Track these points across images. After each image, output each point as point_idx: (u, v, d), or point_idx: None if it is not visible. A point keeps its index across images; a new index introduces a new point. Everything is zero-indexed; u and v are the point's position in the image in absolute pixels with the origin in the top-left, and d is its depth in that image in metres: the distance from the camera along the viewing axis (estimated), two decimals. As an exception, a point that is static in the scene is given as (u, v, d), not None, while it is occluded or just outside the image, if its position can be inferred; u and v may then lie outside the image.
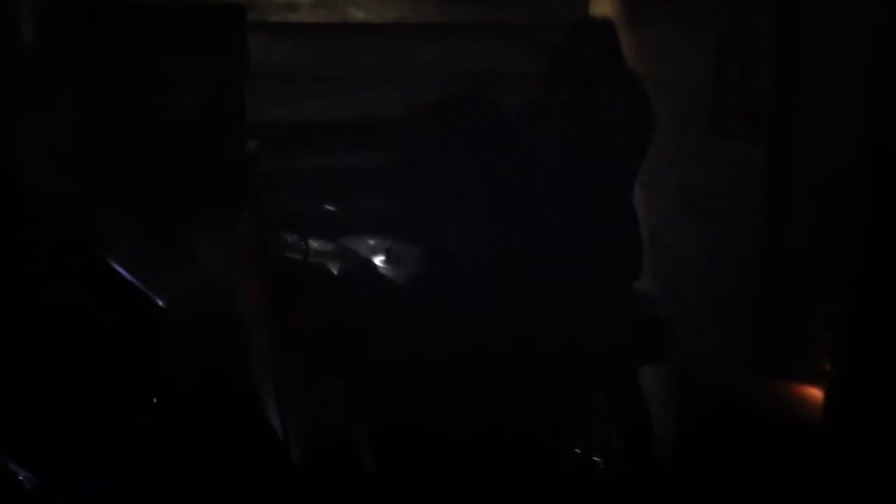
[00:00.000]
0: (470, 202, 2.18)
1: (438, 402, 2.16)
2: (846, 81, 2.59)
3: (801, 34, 2.78)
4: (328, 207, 3.74)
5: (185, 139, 3.48)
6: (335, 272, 3.70)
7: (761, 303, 2.94)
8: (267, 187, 3.84)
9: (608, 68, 3.38)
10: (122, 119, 3.37)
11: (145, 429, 1.40)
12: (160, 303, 1.48)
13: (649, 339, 3.34)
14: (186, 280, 1.67)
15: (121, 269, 1.50)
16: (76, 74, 3.42)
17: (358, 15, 4.37)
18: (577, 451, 3.50)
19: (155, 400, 1.40)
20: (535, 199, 3.45)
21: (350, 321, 2.88)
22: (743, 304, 3.06)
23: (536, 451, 2.85)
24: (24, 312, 1.46)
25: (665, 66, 3.76)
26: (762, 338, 2.90)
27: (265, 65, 3.95)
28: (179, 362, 1.46)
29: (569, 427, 3.40)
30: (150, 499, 1.31)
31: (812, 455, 2.20)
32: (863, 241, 1.89)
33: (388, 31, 4.37)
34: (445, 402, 2.16)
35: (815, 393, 2.36)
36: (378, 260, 3.53)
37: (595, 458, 3.50)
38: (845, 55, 2.59)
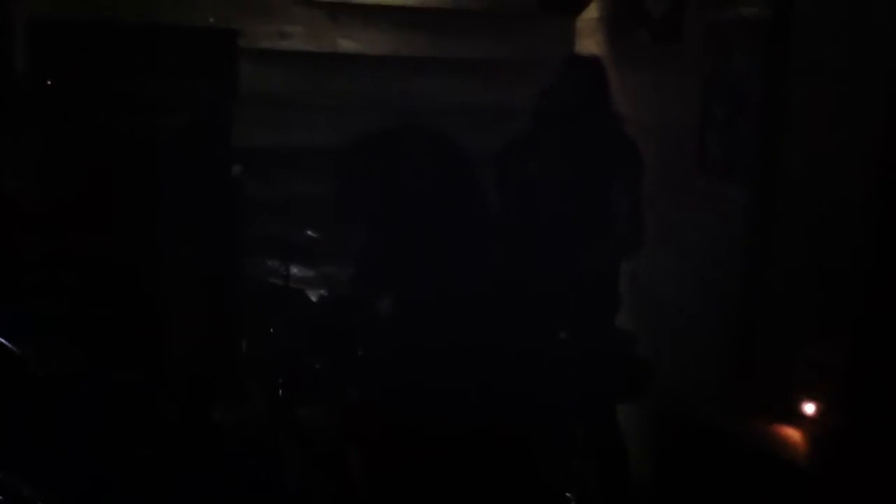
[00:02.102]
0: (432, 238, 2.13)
1: (419, 434, 2.14)
2: (830, 125, 2.63)
3: (786, 77, 2.82)
4: (310, 234, 3.73)
5: (171, 160, 3.49)
6: (314, 299, 3.69)
7: (740, 343, 2.96)
8: (250, 212, 3.83)
9: (596, 106, 3.40)
10: (112, 139, 3.37)
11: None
12: None
13: (627, 377, 3.33)
14: None
15: None
16: (67, 95, 3.42)
17: (349, 46, 4.39)
18: (552, 484, 3.48)
19: None
20: (514, 234, 3.46)
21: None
22: (722, 343, 3.07)
23: (512, 485, 2.82)
24: None
25: (651, 107, 3.80)
26: (740, 377, 2.91)
27: (253, 91, 3.96)
28: None
29: (545, 462, 3.38)
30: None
31: (789, 494, 2.21)
32: (863, 287, 1.91)
33: (379, 63, 4.40)
34: (424, 436, 2.14)
35: (792, 433, 2.37)
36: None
37: (567, 494, 3.48)
38: (828, 97, 2.63)
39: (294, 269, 3.63)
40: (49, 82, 3.41)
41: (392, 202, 2.05)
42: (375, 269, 2.19)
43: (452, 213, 2.08)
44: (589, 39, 4.47)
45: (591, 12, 4.43)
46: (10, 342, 2.05)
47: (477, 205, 2.16)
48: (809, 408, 2.36)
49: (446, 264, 2.05)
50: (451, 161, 2.12)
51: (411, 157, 2.07)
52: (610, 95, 3.45)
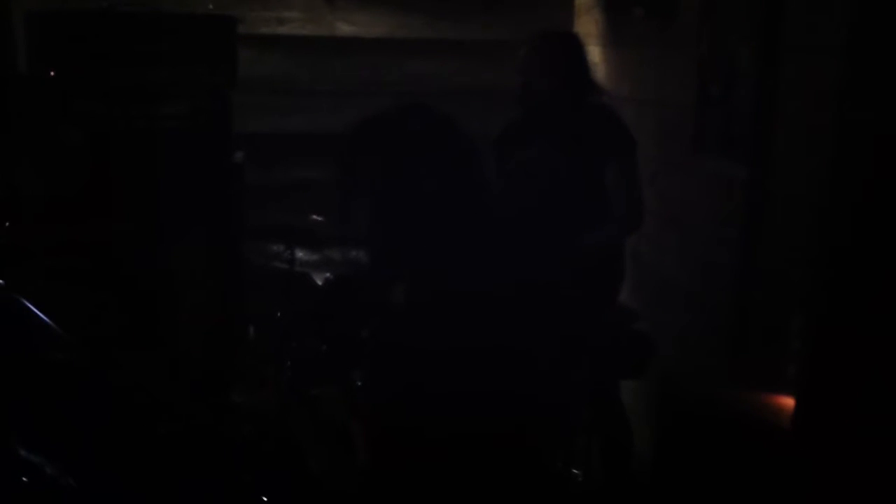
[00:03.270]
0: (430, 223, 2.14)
1: (417, 415, 2.17)
2: (823, 101, 2.65)
3: (781, 55, 2.84)
4: (315, 218, 3.77)
5: (172, 148, 3.53)
6: (319, 282, 3.73)
7: (738, 316, 2.99)
8: (252, 198, 3.87)
9: (573, 83, 3.40)
10: (113, 129, 3.40)
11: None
12: None
13: (629, 353, 3.37)
14: None
15: None
16: (67, 86, 3.45)
17: (346, 29, 4.42)
18: (558, 463, 3.52)
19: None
20: (515, 214, 3.48)
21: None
22: (721, 317, 3.11)
23: (515, 464, 2.86)
24: None
25: (647, 85, 3.82)
26: (739, 350, 2.95)
27: (253, 76, 3.99)
28: None
29: (549, 440, 3.43)
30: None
31: (786, 465, 2.25)
32: (829, 255, 1.95)
33: (376, 45, 4.42)
34: (424, 415, 2.17)
35: (789, 403, 2.41)
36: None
37: (574, 471, 3.53)
38: (823, 75, 2.65)
39: (299, 253, 3.67)
40: (52, 73, 3.44)
41: (397, 186, 2.07)
42: (380, 253, 2.21)
43: (460, 197, 2.09)
44: (586, 17, 4.49)
45: (588, -10, 4.45)
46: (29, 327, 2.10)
47: (484, 187, 2.18)
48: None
49: (453, 248, 2.07)
50: (458, 143, 2.13)
51: (417, 139, 2.09)
52: (586, 70, 3.44)
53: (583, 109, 3.41)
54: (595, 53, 4.35)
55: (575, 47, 3.45)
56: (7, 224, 3.06)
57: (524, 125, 3.50)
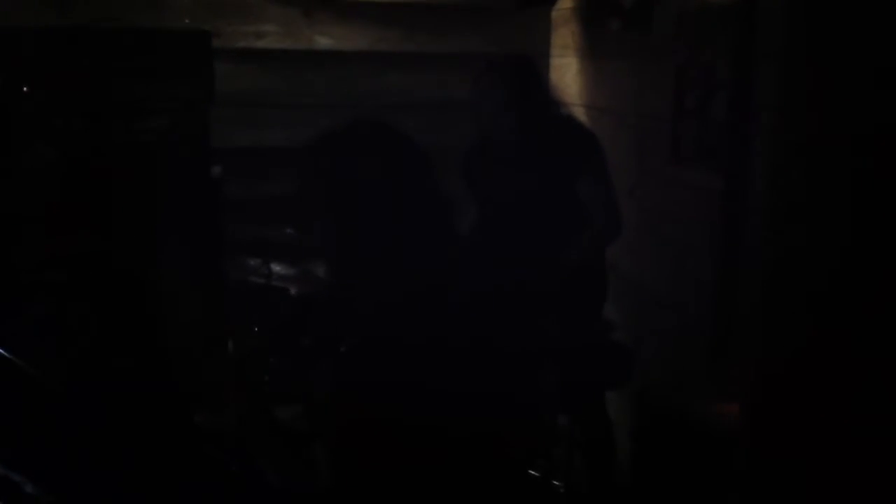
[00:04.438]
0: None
1: (397, 430, 2.16)
2: (801, 110, 2.65)
3: (756, 65, 2.85)
4: (290, 232, 3.76)
5: (150, 163, 3.51)
6: (296, 296, 3.72)
7: (718, 326, 2.99)
8: (230, 212, 3.85)
9: (525, 101, 3.36)
10: (91, 145, 3.39)
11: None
12: None
13: (607, 364, 3.36)
14: None
15: None
16: (45, 103, 3.44)
17: (324, 43, 4.41)
18: (536, 474, 3.51)
19: None
20: (489, 233, 3.48)
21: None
22: (700, 329, 3.11)
23: (494, 476, 2.85)
24: None
25: (625, 97, 3.83)
26: (719, 359, 2.95)
27: (231, 91, 3.98)
28: None
29: (527, 447, 3.41)
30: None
31: (763, 472, 2.25)
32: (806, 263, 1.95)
33: (355, 59, 4.42)
34: (404, 431, 2.16)
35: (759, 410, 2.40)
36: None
37: (555, 483, 3.51)
38: (800, 84, 2.66)
39: (276, 268, 3.66)
40: (25, 89, 3.43)
41: (352, 200, 2.08)
42: (344, 267, 2.21)
43: (414, 209, 2.10)
44: (563, 29, 4.51)
45: (565, 2, 4.46)
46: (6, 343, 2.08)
47: (439, 202, 2.18)
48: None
49: (411, 263, 2.07)
50: (407, 157, 2.14)
51: (368, 153, 2.10)
52: (539, 86, 3.45)
53: (542, 124, 3.40)
54: (572, 65, 4.36)
55: (524, 67, 3.45)
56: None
57: (488, 148, 3.50)
